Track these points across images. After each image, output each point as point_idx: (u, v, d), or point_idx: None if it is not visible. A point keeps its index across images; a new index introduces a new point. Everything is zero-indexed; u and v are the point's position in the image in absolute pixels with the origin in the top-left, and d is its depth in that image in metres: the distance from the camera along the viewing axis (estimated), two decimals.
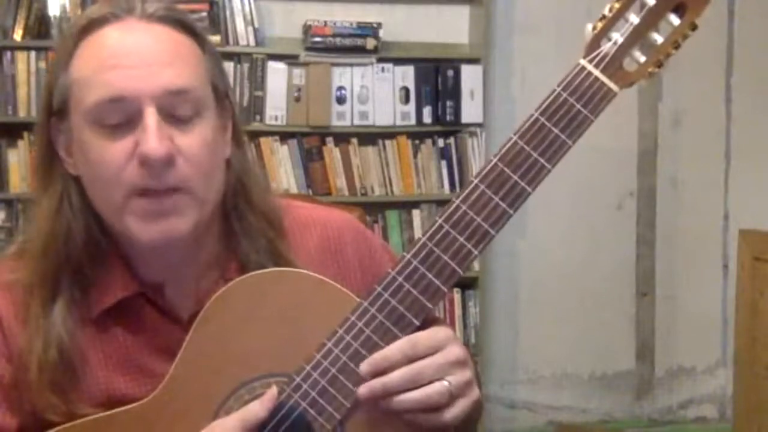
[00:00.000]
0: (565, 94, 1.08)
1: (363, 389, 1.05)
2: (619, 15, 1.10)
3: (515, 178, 1.08)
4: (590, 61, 1.09)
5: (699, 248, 4.42)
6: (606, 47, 1.09)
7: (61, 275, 1.13)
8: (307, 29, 3.86)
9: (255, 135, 3.76)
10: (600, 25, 1.10)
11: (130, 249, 1.16)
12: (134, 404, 1.11)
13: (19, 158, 3.67)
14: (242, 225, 1.18)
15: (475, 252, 1.08)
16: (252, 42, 3.83)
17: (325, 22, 3.84)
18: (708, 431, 4.46)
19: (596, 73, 1.08)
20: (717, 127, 4.40)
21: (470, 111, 3.96)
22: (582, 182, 4.17)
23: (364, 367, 1.06)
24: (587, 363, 4.37)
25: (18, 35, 3.65)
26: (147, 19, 1.11)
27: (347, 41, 3.84)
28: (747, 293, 3.29)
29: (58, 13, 3.69)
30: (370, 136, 3.94)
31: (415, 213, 3.97)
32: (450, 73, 3.96)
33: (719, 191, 4.44)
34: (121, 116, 1.07)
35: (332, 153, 3.90)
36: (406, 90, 3.95)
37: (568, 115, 1.08)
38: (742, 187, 4.42)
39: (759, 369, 3.21)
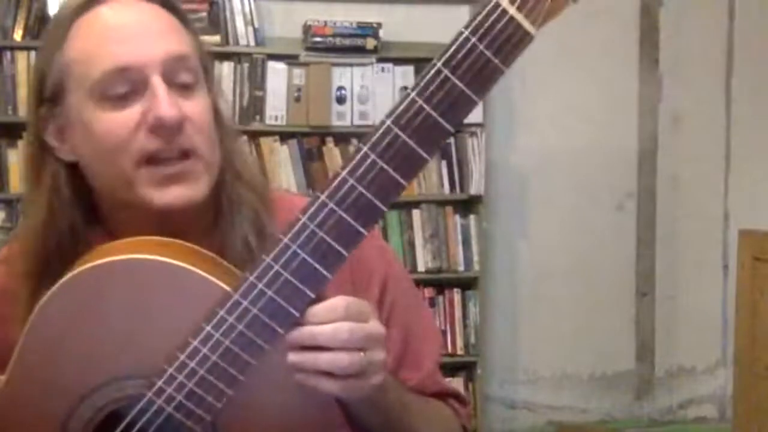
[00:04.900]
0: (473, 39, 0.91)
1: (294, 333, 0.96)
2: None
3: (412, 144, 0.93)
4: None
5: (699, 248, 4.42)
6: None
7: (49, 269, 1.10)
8: (307, 29, 3.86)
9: (255, 135, 3.75)
10: None
11: (123, 233, 1.11)
12: None
13: (19, 158, 3.67)
14: (230, 196, 1.15)
15: (363, 232, 0.94)
16: (252, 42, 3.82)
17: (325, 22, 3.83)
18: (708, 431, 4.46)
19: (512, 11, 0.93)
20: (717, 127, 4.40)
21: None
22: (582, 182, 4.17)
23: (308, 316, 0.96)
24: (587, 363, 4.37)
25: (18, 35, 3.65)
26: None
27: (347, 41, 3.84)
28: (747, 293, 3.29)
29: None
30: None
31: (415, 213, 3.97)
32: None
33: (719, 191, 4.44)
34: (126, 86, 1.08)
35: (332, 153, 3.89)
36: (406, 90, 3.94)
37: (477, 64, 0.91)
38: (742, 187, 4.42)
39: (759, 369, 3.21)
